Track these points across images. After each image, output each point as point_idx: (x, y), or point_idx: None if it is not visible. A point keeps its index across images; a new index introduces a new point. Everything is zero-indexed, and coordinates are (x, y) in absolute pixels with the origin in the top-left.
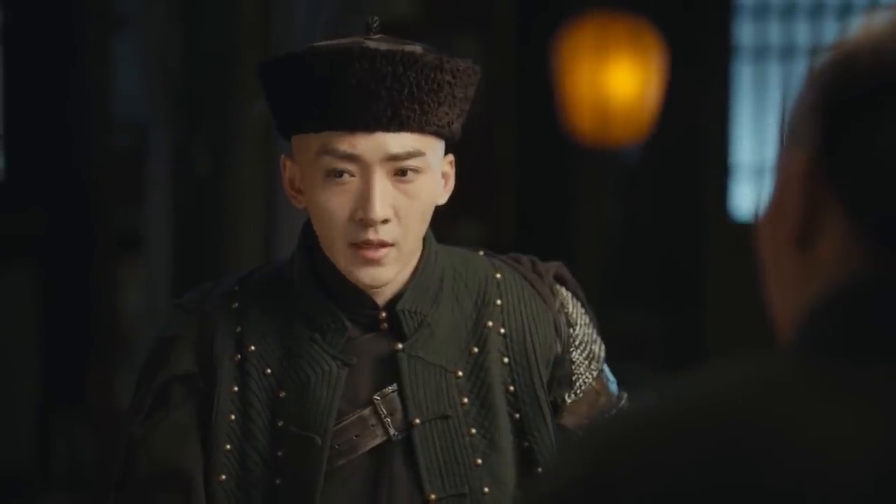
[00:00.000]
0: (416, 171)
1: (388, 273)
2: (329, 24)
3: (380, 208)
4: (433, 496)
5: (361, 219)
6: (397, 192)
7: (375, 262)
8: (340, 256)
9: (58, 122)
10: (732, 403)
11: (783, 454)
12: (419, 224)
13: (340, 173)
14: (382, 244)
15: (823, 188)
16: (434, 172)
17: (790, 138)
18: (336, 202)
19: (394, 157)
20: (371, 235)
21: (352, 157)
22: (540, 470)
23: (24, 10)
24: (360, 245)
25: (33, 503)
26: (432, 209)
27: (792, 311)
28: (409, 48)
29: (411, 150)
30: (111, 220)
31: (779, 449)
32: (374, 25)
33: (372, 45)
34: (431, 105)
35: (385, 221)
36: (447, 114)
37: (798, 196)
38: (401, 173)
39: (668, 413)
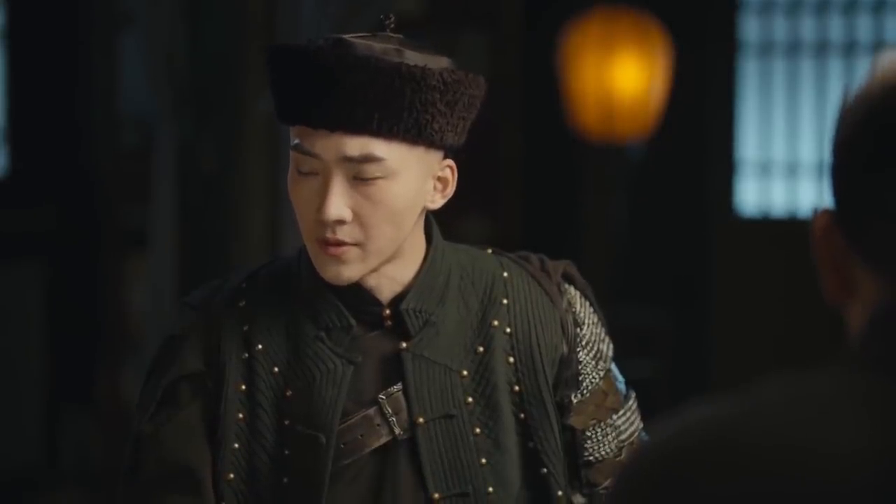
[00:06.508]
0: (376, 175)
1: (351, 271)
2: (335, 21)
3: (333, 209)
4: (437, 496)
5: (318, 218)
6: (358, 195)
7: (336, 259)
8: (310, 251)
9: (64, 120)
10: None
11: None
12: (387, 227)
13: (307, 169)
14: (341, 243)
15: (845, 247)
16: (406, 179)
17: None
18: (303, 197)
19: (349, 160)
20: (328, 234)
21: (312, 155)
22: (545, 471)
23: (30, 7)
24: (322, 242)
25: (41, 500)
26: (409, 214)
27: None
28: (381, 54)
29: (368, 153)
30: (117, 217)
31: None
32: (388, 24)
33: (357, 44)
34: (392, 111)
35: (341, 222)
36: (428, 122)
37: (826, 255)
38: (360, 176)
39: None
